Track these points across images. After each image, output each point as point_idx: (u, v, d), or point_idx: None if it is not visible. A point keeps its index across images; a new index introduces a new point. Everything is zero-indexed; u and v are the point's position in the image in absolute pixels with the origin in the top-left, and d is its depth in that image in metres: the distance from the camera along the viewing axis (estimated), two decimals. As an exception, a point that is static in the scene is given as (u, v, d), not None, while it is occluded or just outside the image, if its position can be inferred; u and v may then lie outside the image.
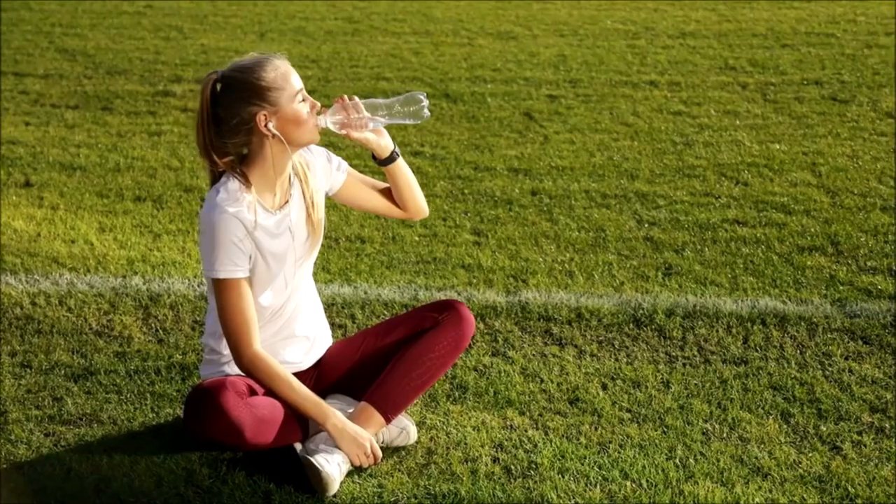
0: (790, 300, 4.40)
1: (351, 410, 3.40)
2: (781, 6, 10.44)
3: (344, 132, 3.28)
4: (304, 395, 3.26)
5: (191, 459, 3.33)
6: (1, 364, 3.93)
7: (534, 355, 4.02)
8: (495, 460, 3.37)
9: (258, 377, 3.25)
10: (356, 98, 3.27)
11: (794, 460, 3.36)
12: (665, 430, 3.53)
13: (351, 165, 3.56)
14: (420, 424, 3.53)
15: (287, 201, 3.33)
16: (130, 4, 10.99)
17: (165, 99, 7.54)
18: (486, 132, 6.72)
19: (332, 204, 5.08)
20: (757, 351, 4.03)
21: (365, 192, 3.52)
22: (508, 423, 3.57)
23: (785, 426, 3.54)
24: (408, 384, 3.37)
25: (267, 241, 3.27)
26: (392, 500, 3.19)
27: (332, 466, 3.19)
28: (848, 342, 4.08)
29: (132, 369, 3.89)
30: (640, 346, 4.09)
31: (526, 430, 3.53)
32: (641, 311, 4.31)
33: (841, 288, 4.50)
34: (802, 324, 4.21)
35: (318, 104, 3.28)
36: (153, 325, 4.24)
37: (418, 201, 3.53)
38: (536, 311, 4.33)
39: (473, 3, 11.00)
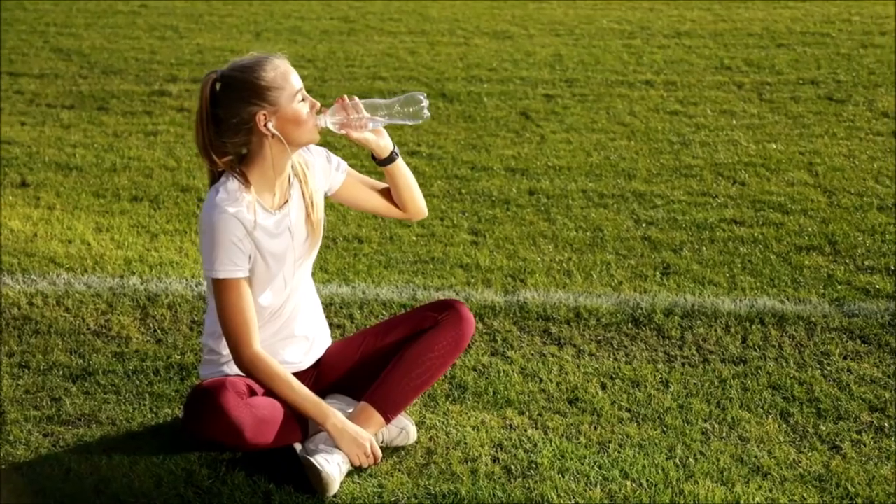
0: (788, 300, 4.41)
1: (350, 410, 3.40)
2: (776, 6, 10.46)
3: (343, 132, 3.28)
4: (304, 396, 3.25)
5: (190, 460, 3.33)
6: (-1, 364, 3.93)
7: (533, 355, 4.02)
8: (495, 460, 3.37)
9: (258, 377, 3.25)
10: (356, 98, 3.27)
11: (794, 459, 3.36)
12: (664, 429, 3.53)
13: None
14: (419, 424, 3.53)
15: (286, 201, 3.33)
16: (125, 4, 10.98)
17: (161, 99, 7.53)
18: (483, 132, 6.72)
19: (329, 204, 5.07)
20: (755, 350, 4.03)
21: (364, 193, 3.52)
22: (508, 422, 3.57)
23: (784, 425, 3.55)
24: (408, 384, 3.37)
25: (266, 240, 3.27)
26: (392, 500, 3.19)
27: (332, 466, 3.19)
28: (846, 341, 4.08)
29: (130, 369, 3.89)
30: (639, 345, 4.09)
31: (525, 430, 3.53)
32: (640, 311, 4.31)
33: (839, 287, 4.50)
34: (801, 323, 4.21)
35: (318, 104, 3.27)
36: (151, 325, 4.24)
37: (417, 202, 3.53)
38: (535, 311, 4.33)
39: (469, 2, 11.00)
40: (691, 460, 3.35)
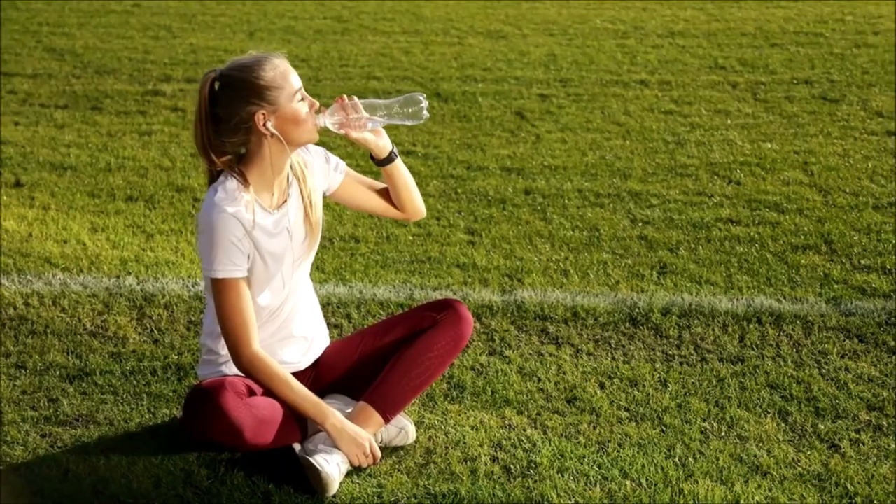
0: (785, 299, 4.41)
1: (349, 410, 3.39)
2: (769, 5, 10.47)
3: (343, 132, 3.27)
4: (304, 396, 3.25)
5: (189, 460, 3.32)
6: (-5, 365, 3.91)
7: (531, 354, 4.02)
8: (494, 460, 3.37)
9: (257, 377, 3.24)
10: (355, 98, 3.26)
11: (793, 459, 3.36)
12: (663, 428, 3.53)
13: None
14: (418, 424, 3.53)
15: (285, 201, 3.32)
16: (118, 3, 10.95)
17: (155, 98, 7.51)
18: (478, 131, 6.71)
19: (325, 203, 5.04)
20: (753, 349, 4.03)
21: (362, 193, 3.51)
22: (507, 422, 3.57)
23: (783, 424, 3.55)
24: (407, 384, 3.36)
25: (265, 240, 3.26)
26: (392, 500, 3.18)
27: (332, 466, 3.18)
28: (844, 340, 4.09)
29: (128, 370, 3.88)
30: (637, 344, 4.09)
31: (524, 430, 3.52)
32: (637, 310, 4.31)
33: (835, 286, 4.51)
34: (798, 322, 4.22)
35: (317, 103, 3.27)
36: (148, 325, 4.23)
37: (416, 202, 3.53)
38: (532, 311, 4.32)
39: (462, 2, 11.00)
40: (690, 459, 3.36)
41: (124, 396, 3.71)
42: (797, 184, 5.71)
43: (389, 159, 3.40)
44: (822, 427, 3.53)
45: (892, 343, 4.05)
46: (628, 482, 3.24)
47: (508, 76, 8.01)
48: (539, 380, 3.83)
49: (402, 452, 3.39)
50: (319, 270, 4.69)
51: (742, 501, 3.15)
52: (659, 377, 3.85)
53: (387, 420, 3.34)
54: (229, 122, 3.18)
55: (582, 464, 3.33)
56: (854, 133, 6.56)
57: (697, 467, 3.31)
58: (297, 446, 3.29)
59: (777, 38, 9.11)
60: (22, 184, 5.81)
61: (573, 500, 3.17)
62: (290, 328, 3.42)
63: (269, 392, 3.27)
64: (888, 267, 4.68)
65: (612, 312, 4.30)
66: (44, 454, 3.38)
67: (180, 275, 4.66)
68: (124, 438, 3.46)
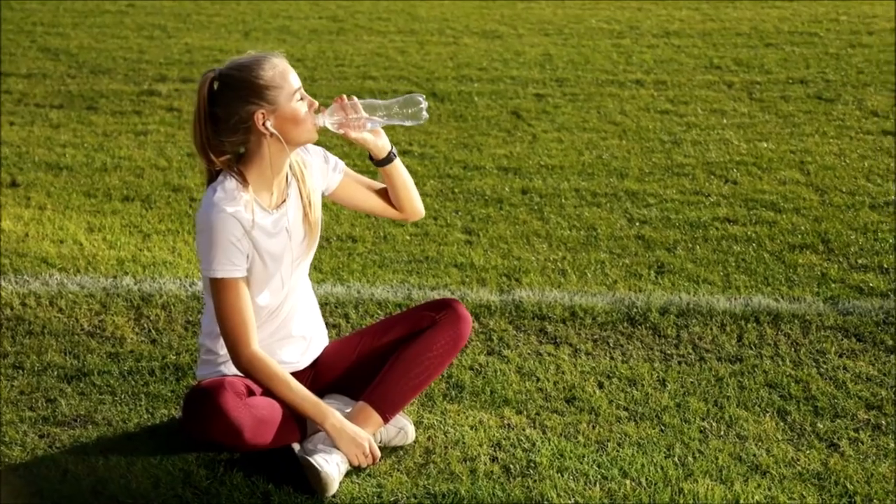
0: (783, 298, 4.42)
1: (348, 410, 3.39)
2: (764, 5, 10.48)
3: (342, 132, 3.27)
4: (303, 396, 3.24)
5: (188, 460, 3.31)
6: (-7, 365, 3.90)
7: (529, 354, 4.02)
8: (494, 459, 3.37)
9: (256, 377, 3.23)
10: (355, 98, 3.26)
11: (792, 458, 3.36)
12: (663, 428, 3.53)
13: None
14: (417, 424, 3.52)
15: (284, 200, 3.32)
16: (112, 3, 10.93)
17: (151, 98, 7.50)
18: (475, 131, 6.71)
19: (322, 203, 5.05)
20: (751, 349, 4.04)
21: (361, 193, 3.51)
22: (506, 422, 3.57)
23: (782, 424, 3.55)
24: (406, 383, 3.36)
25: (264, 240, 3.26)
26: (391, 499, 3.18)
27: (331, 466, 3.18)
28: (842, 339, 4.09)
29: (126, 370, 3.87)
30: (635, 344, 4.09)
31: (524, 429, 3.52)
32: (635, 310, 4.31)
33: (833, 286, 4.51)
34: (796, 321, 4.22)
35: (317, 103, 3.26)
36: (145, 325, 4.22)
37: (414, 202, 3.52)
38: (530, 310, 4.32)
39: (457, 2, 11.00)
40: (690, 459, 3.36)
41: (122, 397, 3.70)
42: (794, 183, 5.72)
43: (388, 159, 3.39)
44: (821, 426, 3.53)
45: (890, 342, 4.06)
46: (628, 481, 3.24)
47: (504, 76, 8.01)
48: (538, 379, 3.83)
49: (401, 452, 3.39)
50: (317, 270, 4.68)
51: (742, 501, 3.15)
52: (657, 376, 3.85)
53: (386, 420, 3.34)
54: (228, 122, 3.17)
55: (581, 463, 3.33)
56: (850, 132, 6.57)
57: (697, 466, 3.31)
58: (296, 446, 3.29)
59: (772, 37, 9.12)
60: (18, 184, 5.80)
61: (573, 500, 3.17)
62: (288, 328, 3.42)
63: (268, 392, 3.27)
64: (885, 266, 4.69)
65: (610, 312, 4.30)
66: (42, 454, 3.37)
67: (177, 275, 4.65)
68: (123, 439, 3.46)
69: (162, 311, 4.32)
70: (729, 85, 7.69)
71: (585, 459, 3.35)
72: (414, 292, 4.50)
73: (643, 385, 3.79)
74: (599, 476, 3.27)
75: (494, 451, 3.41)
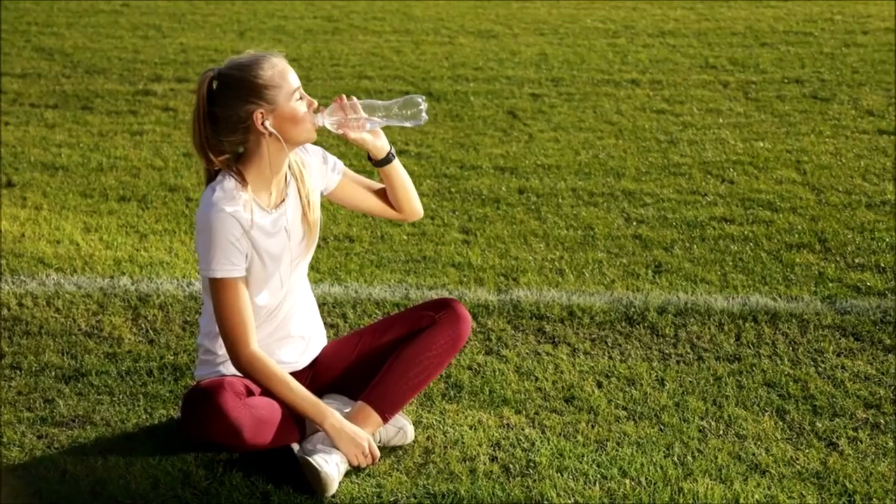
0: (780, 297, 4.42)
1: (348, 410, 3.38)
2: (759, 5, 10.49)
3: (341, 132, 3.26)
4: (302, 396, 3.24)
5: (187, 461, 3.31)
6: (-10, 366, 3.89)
7: (527, 354, 4.01)
8: (493, 459, 3.36)
9: (256, 377, 3.23)
10: (354, 98, 3.25)
11: (792, 457, 3.37)
12: (661, 427, 3.53)
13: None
14: (416, 424, 3.52)
15: (283, 200, 3.31)
16: (107, 3, 10.91)
17: (146, 98, 7.49)
18: (471, 130, 6.71)
19: (320, 203, 5.05)
20: (749, 348, 4.04)
21: (359, 193, 3.50)
22: (505, 421, 3.57)
23: (781, 423, 3.55)
24: (405, 383, 3.35)
25: (263, 240, 3.25)
26: (391, 499, 3.18)
27: (331, 466, 3.17)
28: (839, 339, 4.10)
29: (124, 370, 3.86)
30: (633, 343, 4.09)
31: (523, 429, 3.52)
32: (633, 309, 4.31)
33: (830, 285, 4.52)
34: (793, 321, 4.22)
35: (316, 102, 3.25)
36: (143, 325, 4.21)
37: (413, 203, 3.52)
38: (528, 310, 4.32)
39: (452, 1, 10.99)
40: (689, 458, 3.36)
41: (121, 397, 3.69)
42: (790, 182, 5.72)
43: (387, 160, 3.39)
44: (820, 425, 3.54)
45: (888, 341, 4.06)
46: (628, 481, 3.24)
47: (500, 75, 8.01)
48: (536, 379, 3.83)
49: (400, 452, 3.39)
50: (314, 270, 4.68)
51: (741, 500, 3.16)
52: (656, 376, 3.85)
53: (385, 420, 3.34)
54: (227, 121, 3.17)
55: (581, 463, 3.33)
56: (846, 132, 6.57)
57: (696, 466, 3.31)
58: (295, 446, 3.28)
59: (767, 37, 9.13)
60: (14, 184, 5.79)
61: (573, 499, 3.17)
62: (287, 328, 3.41)
63: (267, 392, 3.26)
64: (882, 265, 4.69)
65: (608, 311, 4.30)
66: (41, 455, 3.36)
67: (175, 275, 4.64)
68: (121, 439, 3.45)
69: (159, 312, 4.31)
70: (724, 84, 7.69)
71: (585, 459, 3.35)
72: (412, 292, 4.50)
73: (642, 384, 3.79)
74: (599, 475, 3.27)
75: (494, 450, 3.41)
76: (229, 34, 9.57)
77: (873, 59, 8.28)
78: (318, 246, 4.89)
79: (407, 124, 3.27)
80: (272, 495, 3.17)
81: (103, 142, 6.53)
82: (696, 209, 5.37)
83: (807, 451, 3.40)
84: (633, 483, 3.24)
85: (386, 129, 3.35)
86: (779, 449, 3.40)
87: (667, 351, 4.03)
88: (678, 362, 3.95)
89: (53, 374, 3.84)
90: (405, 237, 5.05)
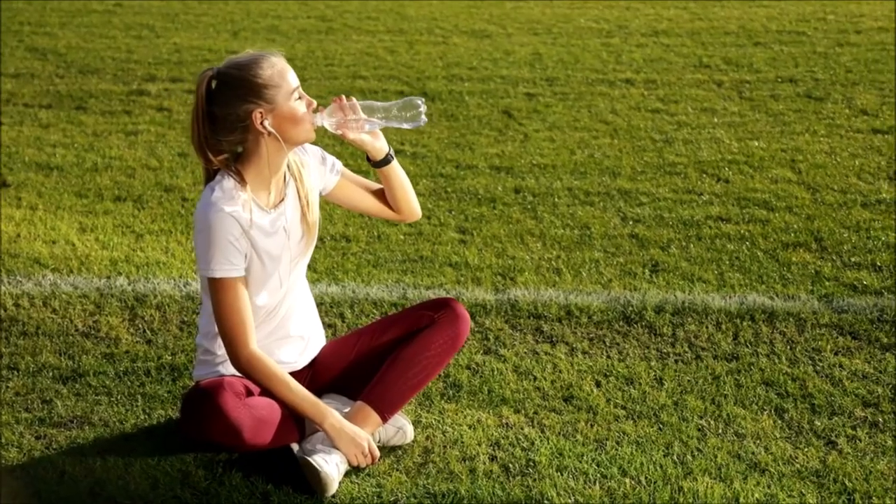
0: (777, 296, 4.43)
1: (347, 410, 3.38)
2: (752, 5, 10.51)
3: (340, 132, 3.26)
4: (302, 396, 3.23)
5: (186, 461, 3.30)
6: (-13, 366, 3.88)
7: (526, 353, 4.01)
8: (493, 459, 3.36)
9: (255, 377, 3.22)
10: (353, 99, 3.25)
11: (791, 455, 3.37)
12: (661, 426, 3.53)
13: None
14: (415, 423, 3.52)
15: (282, 200, 3.31)
16: (100, 3, 10.89)
17: (140, 98, 7.47)
18: (466, 130, 6.71)
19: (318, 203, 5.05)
20: (747, 347, 4.04)
21: (358, 193, 3.50)
22: (504, 421, 3.57)
23: (779, 421, 3.56)
24: (404, 383, 3.35)
25: (262, 239, 3.24)
26: (391, 499, 3.17)
27: (331, 466, 3.17)
28: (837, 337, 4.10)
29: (121, 371, 3.85)
30: (631, 342, 4.09)
31: (522, 428, 3.52)
32: (631, 308, 4.32)
33: (827, 284, 4.53)
34: (791, 319, 4.23)
35: (315, 102, 3.25)
36: (140, 325, 4.20)
37: (411, 203, 3.52)
38: (526, 309, 4.32)
39: (446, 1, 10.99)
40: (689, 457, 3.36)
41: (119, 397, 3.68)
42: (785, 181, 5.73)
43: (386, 161, 3.38)
44: (819, 424, 3.54)
45: (885, 340, 4.07)
46: (627, 480, 3.25)
47: (494, 75, 8.01)
48: (535, 378, 3.83)
49: (400, 452, 3.38)
50: (311, 270, 4.67)
51: (741, 499, 3.16)
52: (654, 375, 3.85)
53: (385, 419, 3.33)
54: (226, 121, 3.16)
55: (581, 462, 3.33)
56: (840, 131, 6.59)
57: (696, 465, 3.32)
58: (295, 446, 3.28)
59: (760, 36, 9.15)
60: (8, 184, 5.77)
61: (573, 499, 3.17)
62: (286, 328, 3.41)
63: (266, 392, 3.26)
64: (878, 264, 4.70)
65: (606, 311, 4.31)
66: (39, 456, 3.35)
67: (171, 275, 4.63)
68: (120, 439, 3.44)
69: (156, 312, 4.30)
70: (718, 84, 7.70)
71: (584, 458, 3.35)
72: (409, 292, 4.50)
73: (640, 383, 3.79)
74: (599, 475, 3.27)
75: (493, 450, 3.40)
76: (223, 34, 9.55)
77: (867, 59, 8.30)
78: (315, 246, 4.89)
79: (406, 126, 3.27)
80: (272, 495, 3.16)
81: (98, 142, 6.51)
82: (692, 208, 5.38)
83: (806, 449, 3.40)
84: (633, 482, 3.24)
85: (381, 128, 3.34)
86: (778, 448, 3.41)
87: (665, 350, 4.03)
88: (676, 361, 3.95)
89: (51, 374, 3.83)
90: (402, 237, 5.05)
